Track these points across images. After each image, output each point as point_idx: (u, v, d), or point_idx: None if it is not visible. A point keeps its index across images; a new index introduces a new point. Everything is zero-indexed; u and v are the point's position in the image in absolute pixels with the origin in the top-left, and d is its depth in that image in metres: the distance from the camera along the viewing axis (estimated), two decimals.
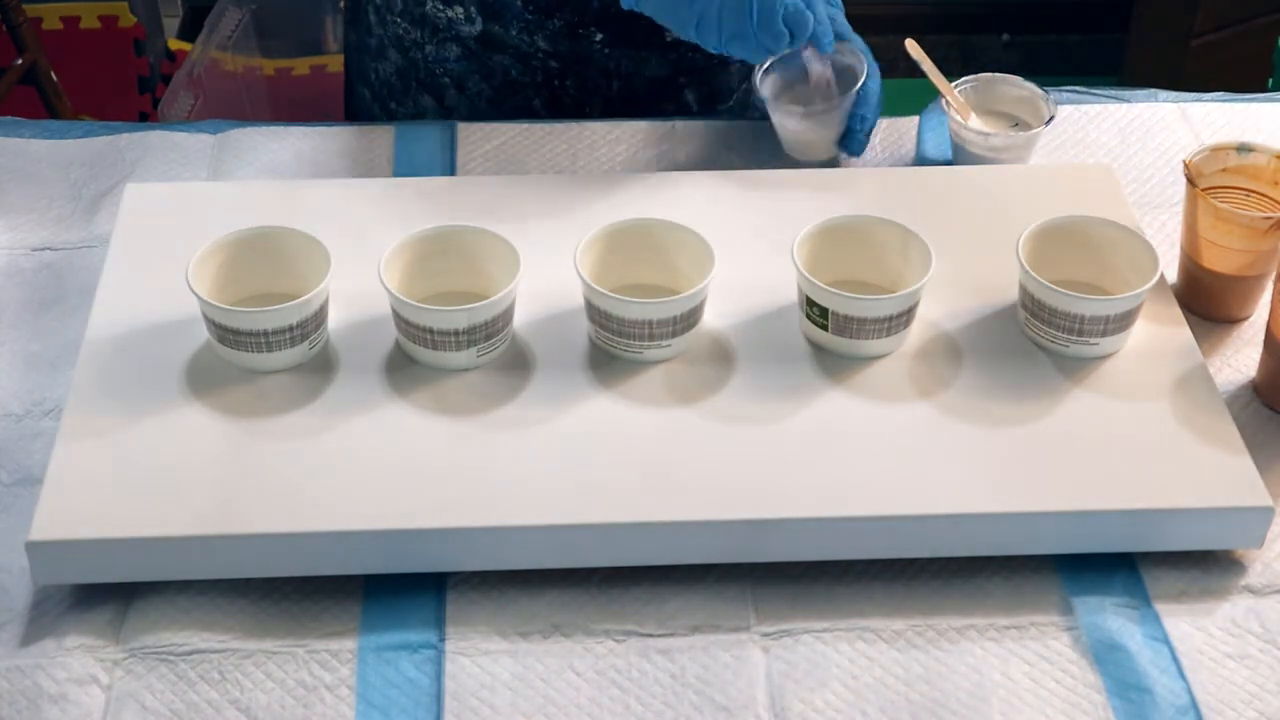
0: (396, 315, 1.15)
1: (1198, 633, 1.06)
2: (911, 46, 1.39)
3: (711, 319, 1.19)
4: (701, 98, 1.54)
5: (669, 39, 1.44)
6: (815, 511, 1.06)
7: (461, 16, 1.47)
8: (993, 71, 1.43)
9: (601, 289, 1.14)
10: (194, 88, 2.57)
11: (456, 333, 1.12)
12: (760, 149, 1.45)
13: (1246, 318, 1.28)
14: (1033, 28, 3.38)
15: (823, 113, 1.35)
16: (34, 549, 1.03)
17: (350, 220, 1.27)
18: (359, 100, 1.63)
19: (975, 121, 1.38)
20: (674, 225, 1.19)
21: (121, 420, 1.11)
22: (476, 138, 1.46)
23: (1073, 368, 1.17)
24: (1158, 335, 1.19)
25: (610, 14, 1.44)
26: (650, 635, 1.05)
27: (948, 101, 1.38)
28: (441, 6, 1.47)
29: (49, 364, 1.22)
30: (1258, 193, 1.27)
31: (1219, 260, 1.24)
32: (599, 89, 1.41)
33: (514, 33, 1.46)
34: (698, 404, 1.13)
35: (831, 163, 1.40)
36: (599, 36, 1.48)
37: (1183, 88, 1.58)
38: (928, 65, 1.38)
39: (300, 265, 1.17)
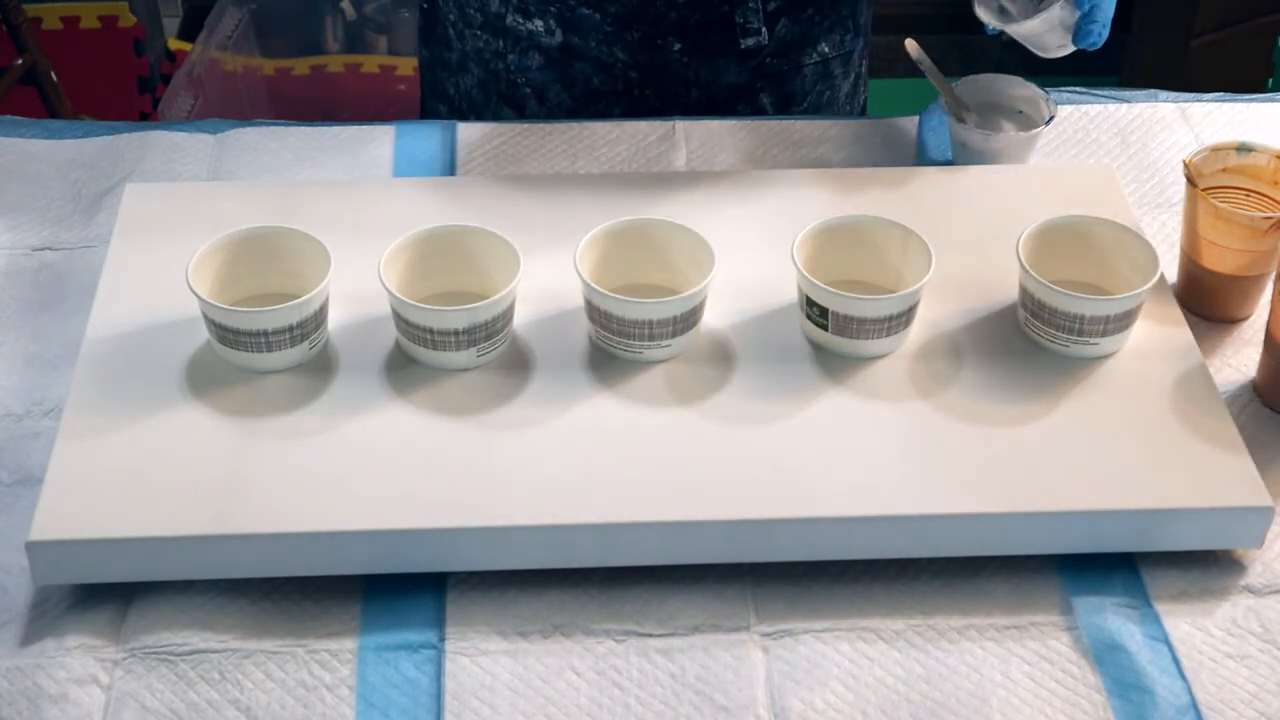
0: (396, 315, 1.15)
1: (1198, 633, 1.05)
2: (911, 46, 1.38)
3: (711, 319, 1.19)
4: (776, 102, 1.55)
5: (745, 47, 1.45)
6: (815, 511, 1.06)
7: (541, 29, 1.48)
8: (993, 71, 1.43)
9: (601, 289, 1.14)
10: (194, 88, 2.57)
11: (456, 333, 1.12)
12: (761, 149, 1.45)
13: (1246, 318, 1.28)
14: None
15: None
16: (34, 549, 1.03)
17: (350, 220, 1.27)
18: (435, 116, 1.62)
19: (975, 121, 1.38)
20: (674, 225, 1.19)
21: (121, 420, 1.11)
22: (476, 138, 1.46)
23: (1073, 368, 1.17)
24: (1158, 335, 1.19)
25: (688, 25, 1.45)
26: (650, 635, 1.05)
27: (948, 101, 1.38)
28: (521, 20, 1.48)
29: (49, 364, 1.22)
30: (1258, 193, 1.27)
31: (1219, 260, 1.24)
32: (678, 96, 1.41)
33: (593, 44, 1.46)
34: (698, 404, 1.13)
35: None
36: (677, 47, 1.48)
37: (1183, 88, 1.58)
38: (928, 65, 1.38)
39: (300, 265, 1.17)
